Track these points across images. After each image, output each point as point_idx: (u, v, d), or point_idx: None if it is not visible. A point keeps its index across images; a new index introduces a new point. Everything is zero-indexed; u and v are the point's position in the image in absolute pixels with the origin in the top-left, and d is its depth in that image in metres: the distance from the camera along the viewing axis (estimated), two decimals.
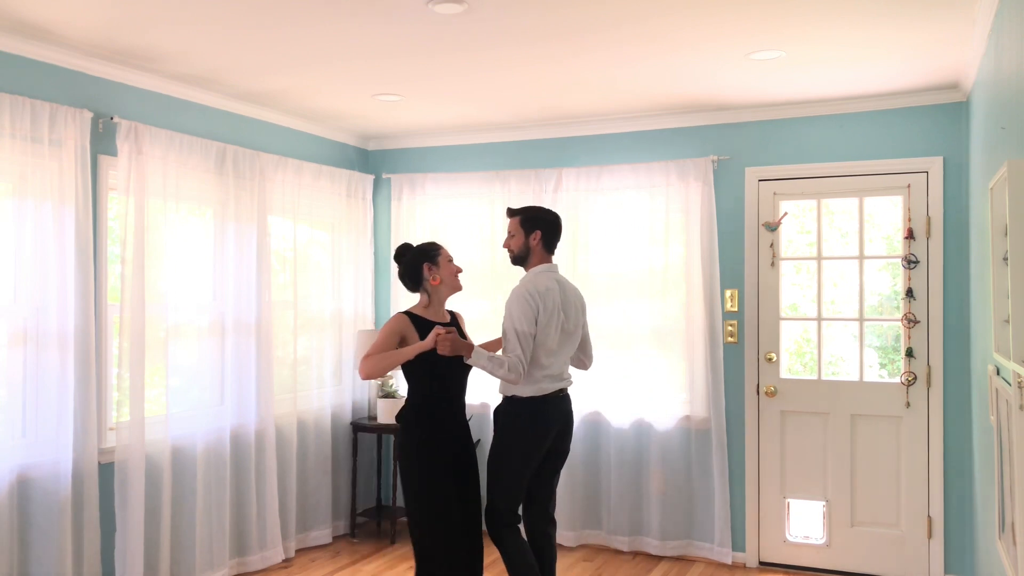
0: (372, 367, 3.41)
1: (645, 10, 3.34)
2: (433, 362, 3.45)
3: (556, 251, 4.78)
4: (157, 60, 4.08)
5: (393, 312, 5.84)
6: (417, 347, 3.45)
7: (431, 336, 3.42)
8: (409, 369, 3.51)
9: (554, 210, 3.93)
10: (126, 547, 4.05)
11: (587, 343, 3.87)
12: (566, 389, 3.72)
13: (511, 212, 3.77)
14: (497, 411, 3.66)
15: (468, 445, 3.63)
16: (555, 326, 3.57)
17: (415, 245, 3.70)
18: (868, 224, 4.85)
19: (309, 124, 5.48)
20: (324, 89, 4.65)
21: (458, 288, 3.67)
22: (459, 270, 3.68)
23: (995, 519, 2.87)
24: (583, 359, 3.87)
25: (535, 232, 3.67)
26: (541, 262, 3.70)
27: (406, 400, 3.59)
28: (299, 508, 5.24)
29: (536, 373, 3.55)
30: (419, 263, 3.60)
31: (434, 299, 3.62)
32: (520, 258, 3.73)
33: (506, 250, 3.78)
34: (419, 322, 3.53)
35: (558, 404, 3.65)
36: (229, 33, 3.67)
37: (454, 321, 3.72)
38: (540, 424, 3.60)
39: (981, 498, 3.77)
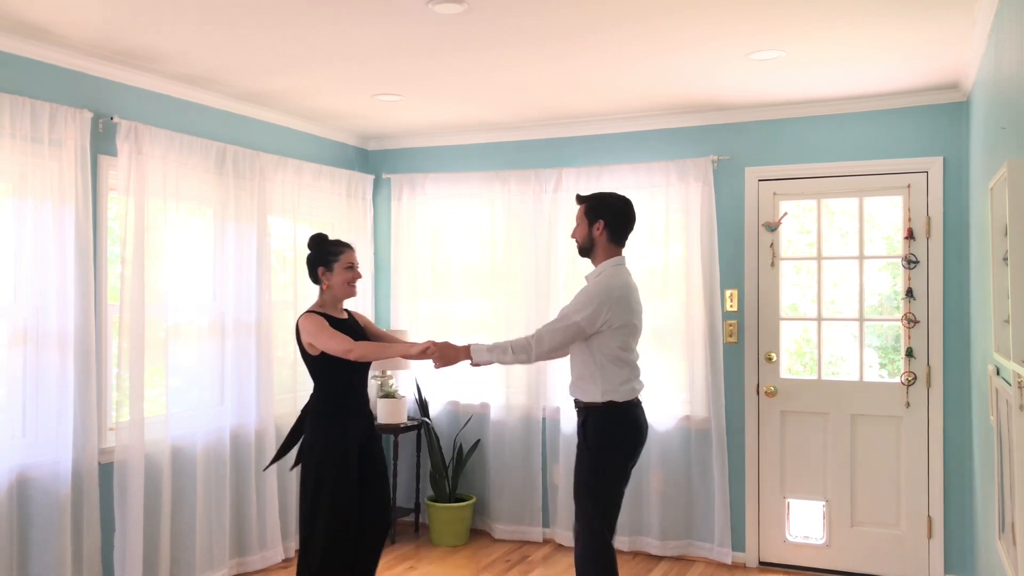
0: (367, 354, 3.39)
1: (645, 10, 3.34)
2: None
3: (560, 251, 4.64)
4: (157, 60, 4.08)
5: (392, 310, 5.85)
6: (408, 351, 3.43)
7: (421, 346, 3.39)
8: (322, 363, 3.45)
9: (625, 196, 3.53)
10: (126, 547, 4.05)
11: None
12: None
13: (579, 199, 3.50)
14: (587, 423, 3.33)
15: (376, 449, 3.57)
16: (636, 325, 3.39)
17: (326, 240, 3.62)
18: (868, 224, 4.85)
19: (309, 124, 5.48)
20: (324, 89, 4.65)
21: (350, 295, 3.59)
22: (355, 277, 3.58)
23: (995, 519, 2.87)
24: None
25: (598, 222, 3.38)
26: (608, 255, 3.42)
27: (312, 396, 3.54)
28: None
29: (629, 373, 3.35)
30: (315, 265, 3.58)
31: (327, 298, 3.58)
32: (585, 250, 3.46)
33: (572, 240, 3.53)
34: (332, 320, 3.50)
35: (642, 407, 3.46)
36: (229, 33, 3.67)
37: (351, 319, 3.66)
38: (636, 429, 3.36)
39: (981, 498, 3.77)
